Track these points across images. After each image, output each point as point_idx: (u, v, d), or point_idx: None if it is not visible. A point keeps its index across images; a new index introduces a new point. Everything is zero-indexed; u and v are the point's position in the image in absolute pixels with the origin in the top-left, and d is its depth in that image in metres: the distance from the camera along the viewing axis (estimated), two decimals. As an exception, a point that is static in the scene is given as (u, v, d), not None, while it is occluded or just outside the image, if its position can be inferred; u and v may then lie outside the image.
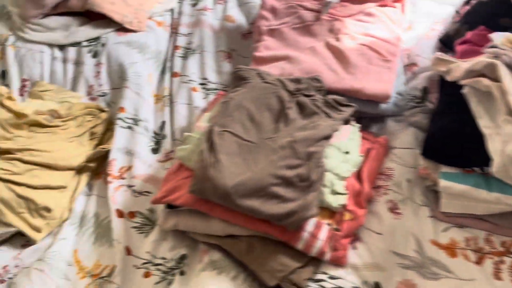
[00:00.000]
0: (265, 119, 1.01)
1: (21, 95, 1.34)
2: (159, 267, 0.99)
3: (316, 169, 0.91)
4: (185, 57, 1.40)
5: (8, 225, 1.09)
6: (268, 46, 1.21)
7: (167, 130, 1.27)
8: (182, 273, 0.96)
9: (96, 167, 1.23)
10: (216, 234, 0.95)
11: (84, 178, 1.22)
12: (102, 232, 1.13)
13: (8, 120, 1.19)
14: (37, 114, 1.22)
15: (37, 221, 1.11)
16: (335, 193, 0.92)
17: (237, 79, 1.09)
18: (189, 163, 1.02)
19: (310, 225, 0.89)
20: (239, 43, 1.41)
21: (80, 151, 1.22)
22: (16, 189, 1.10)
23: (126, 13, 1.39)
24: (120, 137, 1.24)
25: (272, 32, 1.24)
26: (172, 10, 1.52)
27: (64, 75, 1.36)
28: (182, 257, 0.98)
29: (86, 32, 1.39)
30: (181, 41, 1.43)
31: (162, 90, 1.35)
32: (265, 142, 0.97)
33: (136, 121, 1.27)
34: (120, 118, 1.26)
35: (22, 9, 1.38)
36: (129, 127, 1.26)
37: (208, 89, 1.33)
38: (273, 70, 1.13)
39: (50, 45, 1.39)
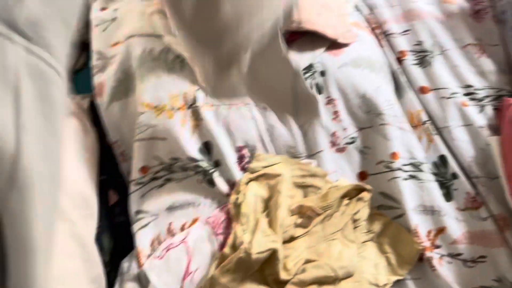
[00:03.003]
0: None
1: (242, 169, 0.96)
2: None
3: None
4: (422, 63, 1.06)
5: None
6: None
7: (453, 167, 0.96)
8: None
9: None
10: None
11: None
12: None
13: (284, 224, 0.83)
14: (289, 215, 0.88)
15: None
16: None
17: None
18: None
19: None
20: (478, 29, 1.10)
21: (351, 252, 0.88)
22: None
23: (334, 22, 1.03)
24: (408, 193, 0.92)
25: None
26: (356, 5, 1.16)
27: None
28: None
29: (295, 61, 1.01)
30: (401, 43, 1.09)
31: (413, 115, 1.02)
32: None
33: (416, 166, 0.95)
34: (398, 169, 0.94)
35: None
36: (413, 177, 0.94)
37: (479, 99, 1.01)
38: None
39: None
